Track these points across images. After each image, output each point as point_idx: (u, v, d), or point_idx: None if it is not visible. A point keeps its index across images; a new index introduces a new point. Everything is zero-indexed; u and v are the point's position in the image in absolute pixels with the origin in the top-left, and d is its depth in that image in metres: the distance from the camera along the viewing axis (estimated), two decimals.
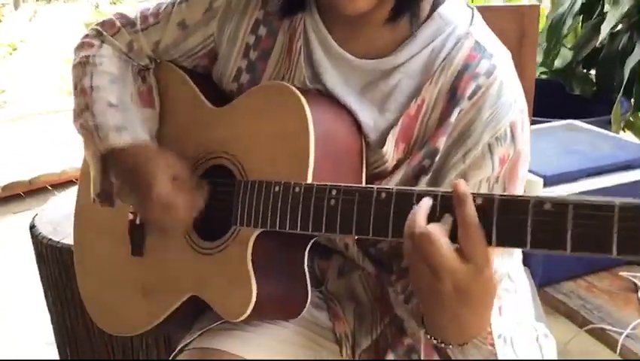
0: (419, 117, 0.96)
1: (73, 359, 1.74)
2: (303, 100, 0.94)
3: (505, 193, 0.74)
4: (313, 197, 0.89)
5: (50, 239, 1.62)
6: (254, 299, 0.95)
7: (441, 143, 0.94)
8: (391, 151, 0.96)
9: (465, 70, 0.94)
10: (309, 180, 0.92)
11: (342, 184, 0.88)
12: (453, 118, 0.93)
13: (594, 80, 2.61)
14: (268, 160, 0.97)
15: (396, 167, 0.98)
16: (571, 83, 2.57)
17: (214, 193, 1.06)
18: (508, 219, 0.72)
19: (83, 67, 1.13)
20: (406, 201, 0.80)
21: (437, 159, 0.95)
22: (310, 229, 0.89)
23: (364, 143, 0.98)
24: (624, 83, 2.25)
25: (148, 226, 1.10)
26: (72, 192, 1.95)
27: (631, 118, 2.57)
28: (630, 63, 2.22)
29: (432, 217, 0.77)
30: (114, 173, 1.07)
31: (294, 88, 0.96)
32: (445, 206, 0.77)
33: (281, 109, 0.96)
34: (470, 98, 0.93)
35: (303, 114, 0.93)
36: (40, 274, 1.72)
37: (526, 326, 1.04)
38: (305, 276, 1.02)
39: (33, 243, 1.69)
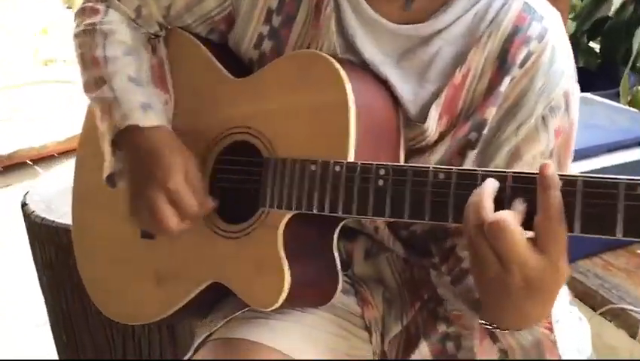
0: (465, 87, 0.88)
1: (70, 343, 1.65)
2: (341, 70, 0.86)
3: (590, 175, 0.67)
4: (357, 177, 0.82)
5: (44, 218, 1.53)
6: (287, 287, 0.88)
7: (490, 114, 0.87)
8: (433, 126, 0.89)
9: (515, 34, 0.87)
10: (350, 158, 0.84)
11: (391, 163, 0.80)
12: (503, 87, 0.87)
13: (597, 52, 2.55)
14: (301, 136, 0.89)
15: (437, 142, 0.91)
16: (575, 55, 2.50)
17: (237, 172, 0.98)
18: (595, 205, 0.65)
19: (90, 35, 1.04)
20: (468, 183, 0.73)
21: (484, 131, 0.88)
22: (354, 212, 0.82)
23: (402, 117, 0.91)
24: (633, 55, 2.19)
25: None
26: (61, 167, 1.85)
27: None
28: (639, 35, 2.16)
29: (500, 201, 0.70)
30: (127, 150, 0.98)
31: (329, 57, 0.88)
32: (516, 189, 0.70)
33: (315, 80, 0.88)
34: (521, 65, 0.86)
35: (342, 85, 0.86)
36: (33, 254, 1.63)
37: (568, 309, 1.00)
38: (334, 260, 0.96)
39: (25, 222, 1.59)
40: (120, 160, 1.00)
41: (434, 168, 0.76)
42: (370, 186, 0.80)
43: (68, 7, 6.46)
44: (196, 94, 1.04)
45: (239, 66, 1.02)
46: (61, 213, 1.55)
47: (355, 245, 1.08)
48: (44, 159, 3.31)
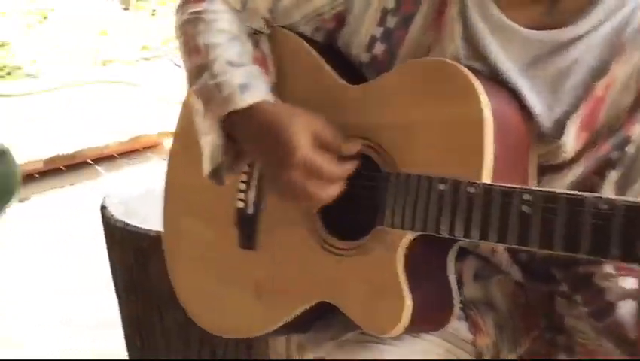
0: (607, 100, 0.82)
1: (144, 348, 1.63)
2: (476, 82, 0.81)
3: None
4: (497, 201, 0.76)
5: (125, 223, 1.51)
6: (407, 314, 0.84)
7: (635, 131, 0.82)
8: (571, 142, 0.83)
9: None
10: (485, 179, 0.79)
11: (539, 188, 0.75)
12: None
13: None
14: (427, 151, 0.84)
15: (574, 160, 0.85)
16: None
17: (351, 185, 0.93)
18: None
19: (193, 24, 0.99)
20: None
21: (627, 149, 0.82)
22: (493, 240, 0.77)
23: (533, 132, 0.85)
24: None
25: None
26: (139, 169, 1.84)
27: None
28: None
29: None
30: (241, 138, 0.93)
31: (463, 67, 0.83)
32: None
33: (447, 92, 0.83)
34: None
35: (477, 99, 0.80)
36: (110, 257, 1.61)
37: None
38: (449, 283, 0.91)
39: (104, 226, 1.58)
40: (230, 151, 0.95)
41: (594, 197, 0.70)
42: (512, 212, 0.74)
43: (125, 9, 6.56)
44: (305, 99, 0.98)
45: (348, 69, 0.97)
46: (141, 217, 1.53)
47: (463, 266, 1.02)
48: (104, 159, 3.33)
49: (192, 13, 1.00)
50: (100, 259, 1.76)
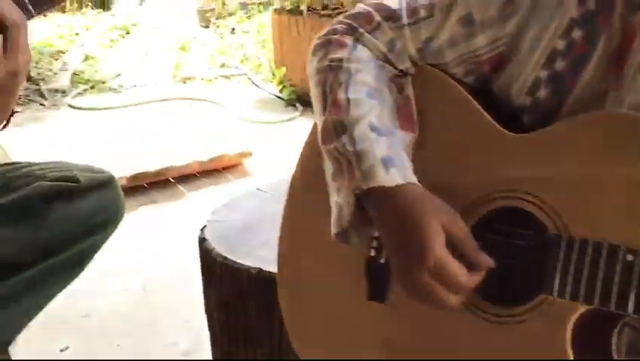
0: None
1: None
2: None
3: None
4: None
5: (224, 257, 1.44)
6: None
7: None
8: None
9: None
10: None
11: None
12: None
13: None
14: (609, 215, 0.74)
15: None
16: None
17: (507, 244, 0.83)
18: None
19: (334, 72, 0.93)
20: None
21: None
22: None
23: None
24: None
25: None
26: (221, 192, 1.76)
27: None
28: None
29: None
30: (373, 214, 0.87)
31: None
32: None
33: (636, 151, 0.73)
34: None
35: None
36: (205, 294, 1.54)
37: None
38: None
39: (201, 259, 1.51)
40: (361, 220, 0.89)
41: None
42: None
43: (205, 27, 6.65)
44: (453, 144, 0.90)
45: (504, 114, 0.88)
46: (243, 253, 1.45)
47: (620, 338, 0.91)
48: (185, 177, 3.32)
49: (334, 60, 0.94)
50: (188, 280, 1.69)
